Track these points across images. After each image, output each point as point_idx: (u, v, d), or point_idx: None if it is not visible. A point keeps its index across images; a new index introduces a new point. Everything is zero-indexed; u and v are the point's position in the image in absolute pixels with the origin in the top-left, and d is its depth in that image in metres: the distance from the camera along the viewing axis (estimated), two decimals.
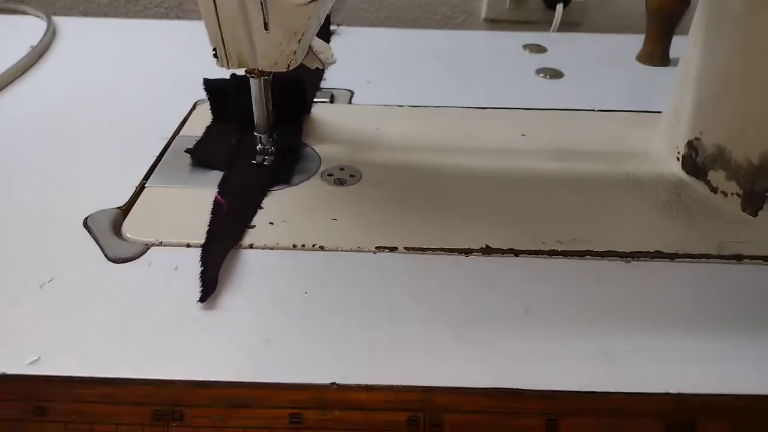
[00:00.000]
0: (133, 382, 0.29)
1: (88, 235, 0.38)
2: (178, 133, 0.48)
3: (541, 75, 0.62)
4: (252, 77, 0.41)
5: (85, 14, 0.81)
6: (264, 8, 0.34)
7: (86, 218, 0.39)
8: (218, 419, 0.29)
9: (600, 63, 0.66)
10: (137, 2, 0.81)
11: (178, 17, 0.82)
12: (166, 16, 0.82)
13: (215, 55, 0.39)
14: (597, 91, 0.59)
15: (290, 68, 0.39)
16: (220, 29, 0.37)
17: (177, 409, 0.29)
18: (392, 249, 0.38)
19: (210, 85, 0.48)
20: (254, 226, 0.39)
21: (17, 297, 0.33)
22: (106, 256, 0.36)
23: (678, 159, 0.46)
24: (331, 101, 0.55)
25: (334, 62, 0.44)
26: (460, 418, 0.29)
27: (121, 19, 0.80)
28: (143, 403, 0.29)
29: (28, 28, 0.67)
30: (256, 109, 0.43)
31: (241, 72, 0.42)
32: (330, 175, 0.45)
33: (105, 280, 0.35)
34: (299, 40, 0.38)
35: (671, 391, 0.30)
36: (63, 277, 0.35)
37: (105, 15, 0.82)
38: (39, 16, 0.69)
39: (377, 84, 0.59)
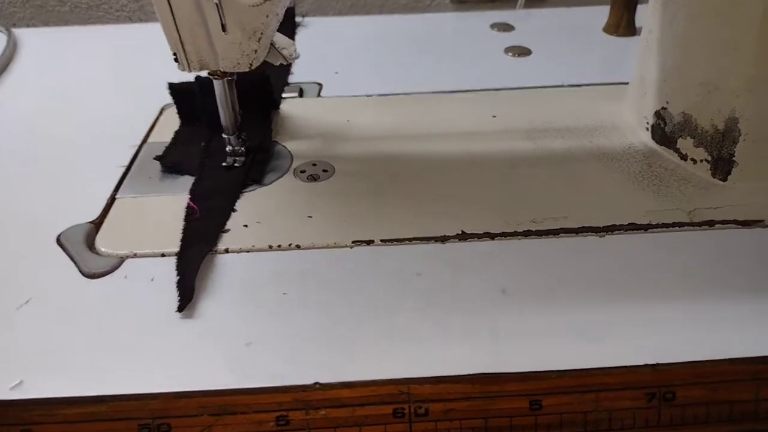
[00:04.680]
0: (118, 398, 0.29)
1: (62, 252, 0.38)
2: (146, 141, 0.48)
3: (510, 54, 0.62)
4: (215, 79, 0.41)
5: (46, 24, 0.80)
6: (220, 10, 0.34)
7: (59, 235, 0.39)
8: (205, 428, 0.29)
9: (567, 37, 0.66)
10: (98, 8, 0.80)
11: (141, 20, 0.81)
12: (128, 19, 0.81)
13: (176, 60, 0.39)
14: (566, 66, 0.59)
15: (252, 67, 0.39)
16: (179, 33, 0.37)
17: (163, 421, 0.29)
18: (369, 242, 0.38)
19: (175, 88, 0.48)
20: (228, 230, 0.39)
21: None
22: (81, 272, 0.36)
23: (647, 129, 0.47)
24: (300, 95, 0.55)
25: (298, 57, 0.44)
26: (444, 406, 0.30)
27: (84, 26, 0.79)
28: (129, 418, 0.29)
29: None
30: (222, 111, 0.42)
31: (204, 74, 0.41)
32: (302, 171, 0.44)
33: (82, 296, 0.34)
34: (259, 39, 0.37)
35: (649, 362, 0.30)
36: (40, 297, 0.34)
37: (67, 23, 0.81)
38: None
39: (346, 74, 0.59)
